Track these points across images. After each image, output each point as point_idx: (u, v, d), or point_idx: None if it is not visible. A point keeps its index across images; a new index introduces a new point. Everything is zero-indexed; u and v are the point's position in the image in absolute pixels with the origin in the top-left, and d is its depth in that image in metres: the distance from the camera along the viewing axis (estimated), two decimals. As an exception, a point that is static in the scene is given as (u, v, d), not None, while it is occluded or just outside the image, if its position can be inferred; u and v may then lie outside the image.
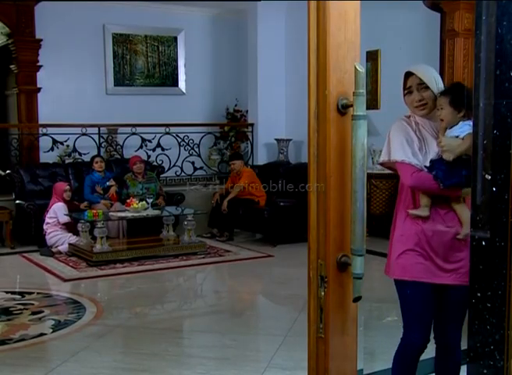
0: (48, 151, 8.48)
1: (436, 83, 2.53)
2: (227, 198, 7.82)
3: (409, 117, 2.61)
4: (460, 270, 2.53)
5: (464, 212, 2.50)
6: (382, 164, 2.64)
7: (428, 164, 2.51)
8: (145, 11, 9.53)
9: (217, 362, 3.84)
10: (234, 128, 9.98)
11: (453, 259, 2.54)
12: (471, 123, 2.43)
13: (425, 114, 2.55)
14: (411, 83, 2.54)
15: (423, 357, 2.81)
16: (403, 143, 2.51)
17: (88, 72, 9.30)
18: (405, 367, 2.71)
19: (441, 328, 2.67)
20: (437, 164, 2.49)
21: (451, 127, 2.48)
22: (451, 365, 2.70)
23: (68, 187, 7.24)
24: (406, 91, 2.57)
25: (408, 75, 2.56)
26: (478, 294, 1.44)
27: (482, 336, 1.43)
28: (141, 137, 8.91)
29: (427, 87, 2.52)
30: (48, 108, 8.92)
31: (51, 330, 4.43)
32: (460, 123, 2.48)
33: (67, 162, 8.60)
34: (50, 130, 8.40)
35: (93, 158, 7.91)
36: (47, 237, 7.04)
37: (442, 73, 6.81)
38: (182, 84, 10.04)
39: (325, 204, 1.54)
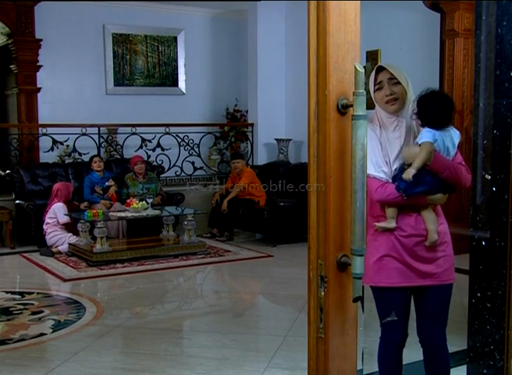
0: (48, 151, 8.48)
1: (407, 81, 2.49)
2: (227, 198, 7.81)
3: (372, 121, 2.56)
4: (437, 271, 2.56)
5: (430, 219, 2.51)
6: None
7: (396, 167, 2.51)
8: (145, 11, 9.53)
9: (217, 362, 3.84)
10: (234, 128, 9.98)
11: (428, 261, 2.55)
12: (432, 130, 2.46)
13: (396, 110, 2.50)
14: (382, 78, 2.50)
15: (413, 359, 2.83)
16: (370, 154, 2.44)
17: (88, 72, 9.30)
18: (389, 365, 2.76)
19: (424, 329, 2.67)
20: (399, 174, 2.48)
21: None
22: (439, 364, 2.70)
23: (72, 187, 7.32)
24: (376, 87, 2.52)
25: (379, 70, 2.52)
26: (478, 294, 1.45)
27: (482, 336, 1.43)
28: (141, 137, 8.91)
29: (398, 83, 2.47)
30: (47, 108, 8.93)
31: (51, 330, 4.43)
32: (423, 129, 2.46)
33: (67, 162, 8.60)
34: (50, 130, 8.40)
35: (92, 158, 7.90)
36: (47, 237, 7.04)
37: (442, 73, 6.81)
38: (182, 84, 10.04)
39: (325, 204, 1.54)
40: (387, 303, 2.65)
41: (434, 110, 2.46)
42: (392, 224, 2.52)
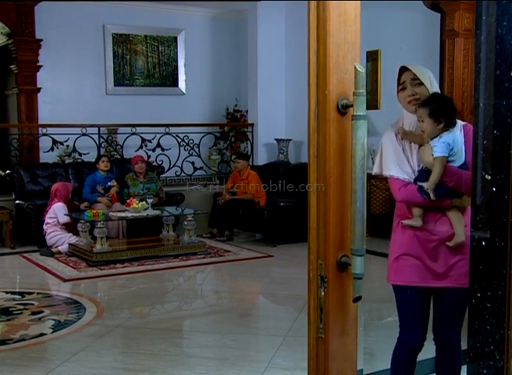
0: (48, 151, 8.48)
1: (430, 82, 2.50)
2: (232, 196, 7.90)
3: (397, 123, 2.59)
4: (453, 273, 2.54)
5: (456, 221, 2.51)
6: (375, 175, 2.66)
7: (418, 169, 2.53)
8: (145, 11, 9.54)
9: (217, 362, 3.84)
10: (234, 128, 9.99)
11: (446, 263, 2.54)
12: (447, 140, 2.44)
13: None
14: (405, 79, 2.52)
15: (423, 357, 2.82)
16: (392, 157, 2.53)
17: (88, 72, 9.30)
18: (403, 367, 2.74)
19: (438, 329, 2.68)
20: (421, 177, 2.50)
21: (432, 139, 2.46)
22: (450, 365, 2.70)
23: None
24: (400, 87, 2.54)
25: (402, 70, 2.53)
26: (478, 295, 1.44)
27: (482, 336, 1.43)
28: (141, 137, 8.91)
29: (421, 83, 2.49)
30: (47, 108, 8.93)
31: (51, 330, 4.43)
32: (436, 138, 2.45)
33: (67, 162, 8.61)
34: (50, 130, 8.40)
35: (100, 156, 7.95)
36: (47, 237, 7.04)
37: (442, 73, 6.81)
38: (182, 84, 10.04)
39: (325, 204, 1.54)
40: (406, 303, 2.65)
41: (449, 107, 2.47)
42: (418, 222, 2.53)
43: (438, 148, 2.44)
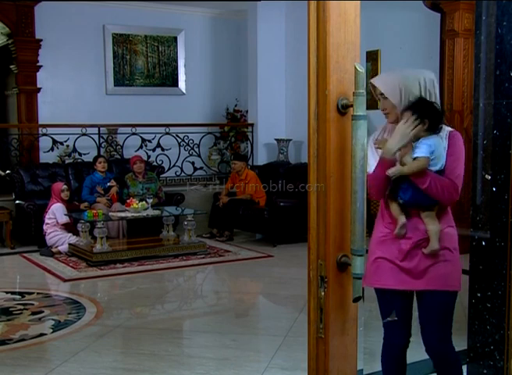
0: (48, 151, 8.48)
1: (400, 92, 2.47)
2: (231, 197, 7.88)
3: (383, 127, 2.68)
4: (429, 276, 2.51)
5: (431, 228, 2.48)
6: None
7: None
8: (145, 11, 9.54)
9: (217, 362, 3.84)
10: (234, 128, 9.98)
11: (422, 266, 2.51)
12: (429, 142, 2.45)
13: (391, 122, 2.57)
14: (377, 93, 2.57)
15: (416, 359, 2.82)
16: (369, 156, 2.52)
17: (88, 72, 9.30)
18: (392, 367, 2.75)
19: (424, 335, 2.62)
20: (402, 193, 2.51)
21: (417, 140, 2.45)
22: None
23: (65, 186, 7.19)
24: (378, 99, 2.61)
25: (373, 86, 2.57)
26: (478, 295, 1.44)
27: (482, 336, 1.43)
28: (141, 137, 8.91)
29: (386, 97, 2.52)
30: (47, 109, 8.93)
31: (51, 330, 4.43)
32: (419, 140, 2.45)
33: (67, 162, 8.60)
34: (50, 130, 8.39)
35: (96, 158, 7.89)
36: (46, 237, 7.04)
37: (442, 73, 6.81)
38: (182, 84, 10.04)
39: (325, 204, 1.54)
40: (386, 305, 2.66)
41: (434, 111, 2.47)
42: (402, 219, 2.50)
43: (419, 149, 2.44)
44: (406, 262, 2.52)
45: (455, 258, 2.53)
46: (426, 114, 2.43)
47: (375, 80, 2.55)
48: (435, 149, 2.44)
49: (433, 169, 2.45)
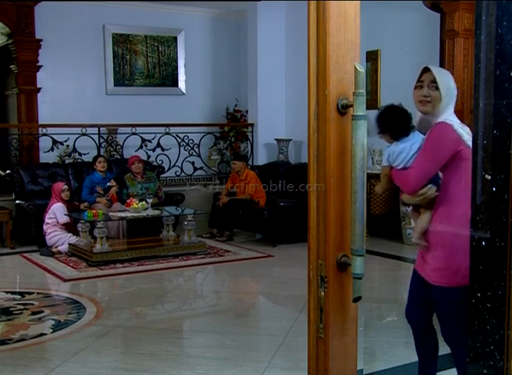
0: (48, 151, 8.48)
1: (447, 89, 2.53)
2: (231, 197, 7.88)
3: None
4: (427, 268, 2.64)
5: (419, 219, 2.65)
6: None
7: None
8: (145, 11, 9.54)
9: (217, 362, 3.84)
10: (234, 128, 9.99)
11: (430, 257, 2.63)
12: (390, 150, 2.61)
13: (425, 111, 2.58)
14: (425, 79, 2.56)
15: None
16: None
17: (88, 72, 9.31)
18: (415, 342, 2.87)
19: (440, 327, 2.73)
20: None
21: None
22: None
23: (66, 186, 7.20)
24: (417, 84, 2.59)
25: (425, 71, 2.57)
26: (478, 295, 1.44)
27: (482, 336, 1.43)
28: (141, 137, 8.91)
29: (437, 88, 2.52)
30: (47, 109, 8.93)
31: (51, 330, 4.43)
32: (391, 145, 2.64)
33: (67, 162, 8.61)
34: (50, 130, 8.40)
35: (96, 157, 7.89)
36: (47, 237, 7.04)
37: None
38: (182, 84, 10.04)
39: (325, 204, 1.54)
40: (411, 281, 2.84)
41: (389, 123, 2.62)
42: (421, 242, 2.68)
43: (382, 159, 2.72)
44: (426, 250, 2.66)
45: (445, 255, 2.59)
46: (384, 126, 2.63)
47: (432, 67, 2.57)
48: (401, 153, 2.59)
49: (400, 167, 2.61)
